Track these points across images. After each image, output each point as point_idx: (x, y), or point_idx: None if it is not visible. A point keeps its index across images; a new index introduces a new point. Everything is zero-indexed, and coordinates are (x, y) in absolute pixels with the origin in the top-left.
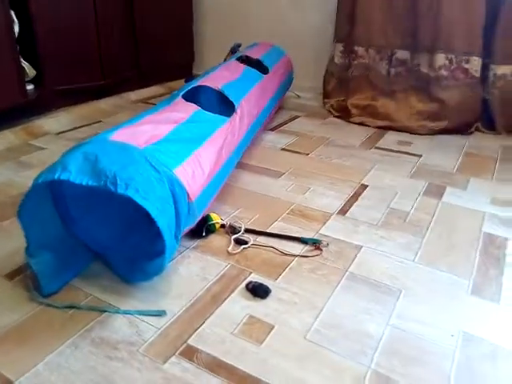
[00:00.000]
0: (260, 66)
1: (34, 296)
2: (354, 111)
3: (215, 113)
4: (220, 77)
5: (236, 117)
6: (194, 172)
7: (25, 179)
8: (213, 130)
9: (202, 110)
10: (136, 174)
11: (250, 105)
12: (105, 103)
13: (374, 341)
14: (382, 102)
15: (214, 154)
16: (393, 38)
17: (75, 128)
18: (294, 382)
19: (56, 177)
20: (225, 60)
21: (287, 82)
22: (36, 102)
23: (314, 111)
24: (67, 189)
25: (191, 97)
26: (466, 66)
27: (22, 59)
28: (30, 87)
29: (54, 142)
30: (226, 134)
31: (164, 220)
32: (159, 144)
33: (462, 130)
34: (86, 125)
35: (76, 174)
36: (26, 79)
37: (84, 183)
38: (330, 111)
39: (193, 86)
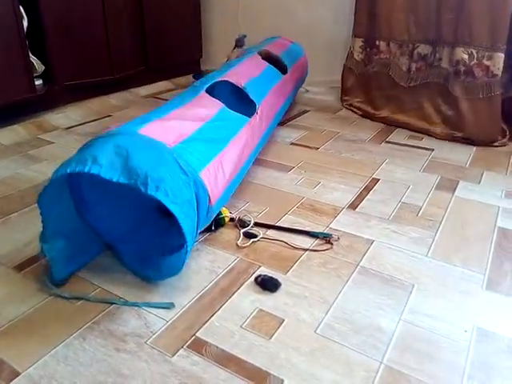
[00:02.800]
0: (279, 65)
1: (43, 287)
2: (374, 109)
3: (235, 110)
4: (242, 73)
5: (256, 117)
6: (217, 175)
7: (33, 173)
8: (236, 130)
9: (226, 107)
10: (166, 176)
11: (268, 105)
12: (114, 98)
13: (386, 336)
14: (402, 99)
15: (236, 156)
16: (414, 32)
17: (84, 123)
18: (305, 377)
19: (87, 169)
20: (232, 52)
21: (301, 82)
22: (45, 97)
23: (323, 105)
24: (84, 175)
25: (212, 90)
26: (488, 62)
27: (30, 54)
28: (38, 82)
29: (63, 137)
30: (247, 134)
31: (188, 225)
32: (187, 143)
33: (483, 141)
34: (96, 119)
35: (106, 168)
36: (35, 74)
37: (115, 180)
38: (349, 109)
39: (216, 80)
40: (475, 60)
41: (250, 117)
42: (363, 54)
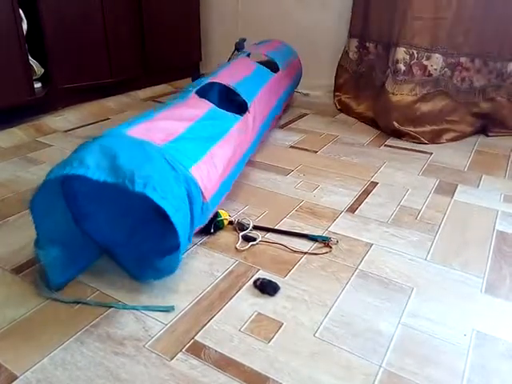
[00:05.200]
0: (270, 64)
1: (41, 290)
2: (355, 107)
3: (227, 110)
4: (232, 74)
5: (249, 116)
6: (209, 171)
7: (32, 175)
8: (227, 128)
9: (216, 107)
10: (154, 172)
11: (261, 104)
12: (112, 101)
13: (385, 339)
14: (378, 98)
15: (229, 153)
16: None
17: (83, 126)
18: (304, 380)
19: (72, 172)
20: (230, 58)
21: (296, 82)
22: (44, 100)
23: (322, 109)
24: (78, 184)
25: (203, 93)
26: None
27: (30, 57)
28: (37, 85)
29: (61, 140)
30: (240, 132)
31: (179, 220)
32: (176, 142)
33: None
34: (94, 122)
35: (93, 169)
36: (34, 77)
37: (101, 180)
38: (335, 104)
39: (205, 82)
40: (415, 59)
41: (242, 115)
42: (357, 54)
